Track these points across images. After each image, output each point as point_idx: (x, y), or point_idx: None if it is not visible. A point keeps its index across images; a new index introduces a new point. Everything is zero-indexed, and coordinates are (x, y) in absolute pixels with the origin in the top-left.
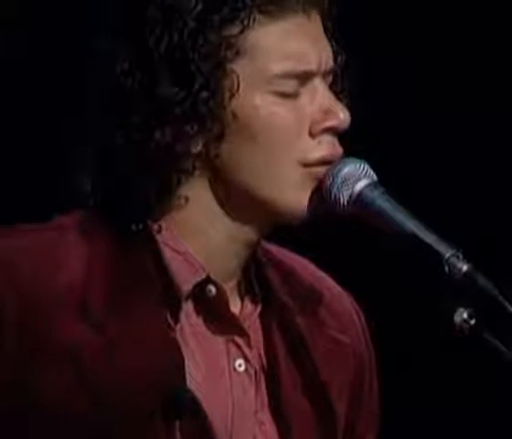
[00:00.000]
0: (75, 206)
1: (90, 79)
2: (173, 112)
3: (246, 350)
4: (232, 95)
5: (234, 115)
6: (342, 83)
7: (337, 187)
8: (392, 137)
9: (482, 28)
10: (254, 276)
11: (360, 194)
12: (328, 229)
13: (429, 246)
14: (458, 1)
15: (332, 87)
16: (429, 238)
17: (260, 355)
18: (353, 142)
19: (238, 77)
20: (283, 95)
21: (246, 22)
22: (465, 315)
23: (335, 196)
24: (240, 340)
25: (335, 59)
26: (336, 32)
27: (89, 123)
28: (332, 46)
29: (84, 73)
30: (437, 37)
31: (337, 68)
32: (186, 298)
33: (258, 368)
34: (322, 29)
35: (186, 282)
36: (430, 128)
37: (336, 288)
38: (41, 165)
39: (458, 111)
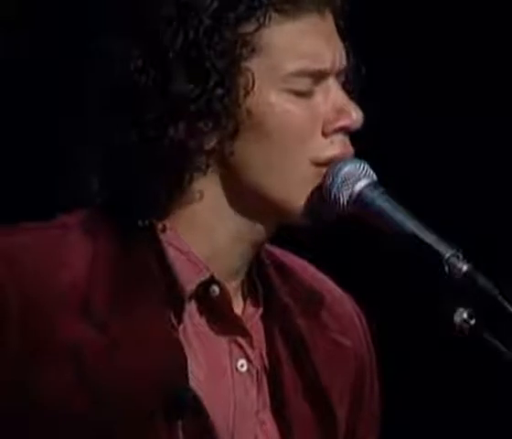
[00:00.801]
0: (79, 205)
1: (100, 77)
2: (187, 108)
3: (248, 351)
4: (247, 93)
5: (249, 113)
6: (354, 83)
7: (337, 187)
8: (392, 137)
9: (482, 28)
10: (257, 277)
11: (360, 194)
12: (328, 229)
13: (429, 246)
14: (458, 1)
15: (344, 86)
16: (429, 238)
17: (262, 356)
18: (353, 141)
19: (253, 74)
20: (298, 94)
21: (262, 20)
22: (465, 315)
23: (334, 195)
24: (242, 341)
25: (347, 58)
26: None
27: (97, 122)
28: (344, 45)
29: (91, 72)
30: (437, 36)
31: (349, 67)
32: (190, 298)
33: (260, 368)
34: (334, 28)
35: (190, 281)
36: (430, 128)
37: (337, 291)
38: (44, 164)
39: (458, 110)
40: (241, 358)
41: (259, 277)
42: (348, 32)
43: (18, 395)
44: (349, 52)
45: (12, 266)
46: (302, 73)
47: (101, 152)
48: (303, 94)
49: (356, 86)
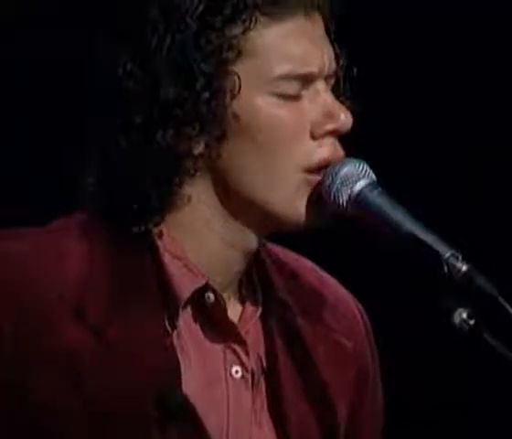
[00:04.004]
0: (76, 209)
1: (91, 80)
2: (174, 112)
3: (243, 357)
4: (233, 96)
5: (235, 116)
6: (344, 86)
7: (337, 188)
8: (391, 137)
9: (477, 27)
10: (257, 277)
11: (359, 194)
12: (328, 229)
13: (428, 246)
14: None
15: (334, 90)
16: (428, 238)
17: (260, 358)
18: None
19: (239, 78)
20: (285, 97)
21: (247, 23)
22: (465, 316)
23: (334, 196)
24: (237, 347)
25: (337, 62)
26: (338, 35)
27: (90, 124)
28: (334, 48)
29: (85, 75)
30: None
31: (340, 71)
32: (185, 304)
33: (256, 372)
34: (324, 32)
35: (186, 288)
36: (429, 127)
37: (341, 290)
38: (41, 166)
39: (457, 110)
40: (236, 364)
41: (259, 277)
42: (339, 35)
43: (17, 396)
44: (339, 56)
45: (8, 272)
46: (288, 76)
47: (95, 156)
48: (290, 98)
49: (347, 90)
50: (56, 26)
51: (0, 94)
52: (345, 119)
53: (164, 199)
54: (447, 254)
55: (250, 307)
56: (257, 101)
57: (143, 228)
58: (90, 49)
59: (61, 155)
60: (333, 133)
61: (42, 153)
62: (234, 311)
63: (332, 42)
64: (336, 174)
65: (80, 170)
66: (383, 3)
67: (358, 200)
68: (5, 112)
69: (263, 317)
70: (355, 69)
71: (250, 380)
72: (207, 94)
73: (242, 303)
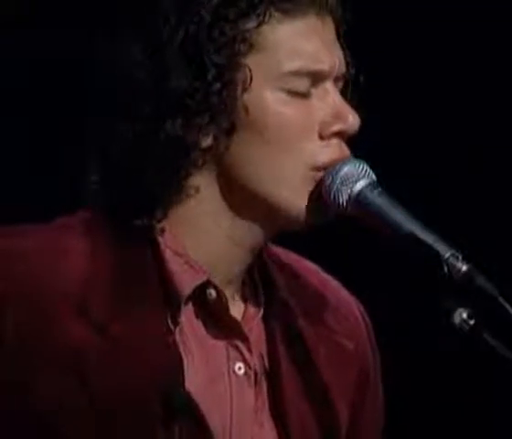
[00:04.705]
0: (76, 209)
1: (91, 80)
2: (185, 103)
3: (246, 354)
4: (244, 89)
5: (245, 109)
6: (352, 92)
7: (337, 187)
8: (391, 137)
9: (477, 26)
10: (259, 278)
11: (359, 194)
12: (328, 229)
13: (428, 246)
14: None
15: (342, 93)
16: (428, 238)
17: (262, 357)
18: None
19: (250, 71)
20: (295, 94)
21: (262, 17)
22: (465, 316)
23: (334, 196)
24: (240, 344)
25: (347, 68)
26: (348, 40)
27: (91, 123)
28: (345, 54)
29: (85, 75)
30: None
31: (348, 75)
32: (187, 301)
33: (259, 370)
34: (334, 35)
35: (187, 285)
36: (429, 128)
37: (343, 292)
38: (43, 165)
39: (457, 110)
40: (239, 361)
41: (261, 278)
42: (349, 40)
43: (22, 395)
44: (349, 62)
45: (11, 269)
46: (299, 73)
47: (99, 149)
48: (299, 95)
49: (355, 95)
50: (56, 26)
51: (0, 94)
52: (353, 121)
53: (168, 192)
54: (447, 254)
55: (252, 308)
56: (267, 96)
57: (146, 223)
58: (90, 49)
59: (61, 155)
60: (340, 134)
61: (42, 153)
62: (236, 310)
63: (343, 47)
64: (336, 174)
65: (80, 170)
66: (382, 3)
67: (358, 200)
68: (5, 112)
69: (265, 318)
70: (362, 77)
71: (252, 377)
72: (218, 85)
73: (245, 302)
